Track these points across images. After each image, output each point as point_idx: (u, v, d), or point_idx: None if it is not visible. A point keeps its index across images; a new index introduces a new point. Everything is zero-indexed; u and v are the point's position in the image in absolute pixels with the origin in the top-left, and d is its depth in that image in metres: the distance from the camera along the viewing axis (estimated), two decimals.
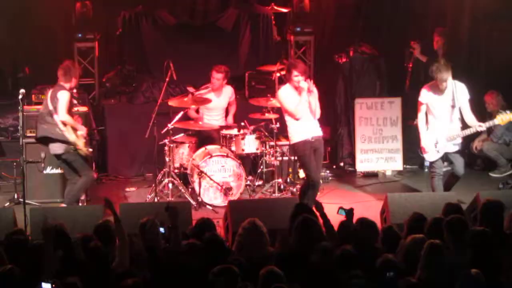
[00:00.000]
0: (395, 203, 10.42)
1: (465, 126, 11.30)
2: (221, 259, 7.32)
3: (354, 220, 8.26)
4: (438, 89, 11.19)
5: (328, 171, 13.70)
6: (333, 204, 10.46)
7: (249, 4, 15.12)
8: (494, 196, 9.63)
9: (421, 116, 11.43)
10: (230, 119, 13.20)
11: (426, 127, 11.42)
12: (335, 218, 8.58)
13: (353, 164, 14.08)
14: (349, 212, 8.28)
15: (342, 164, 14.26)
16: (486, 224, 8.13)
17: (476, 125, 11.20)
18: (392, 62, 14.43)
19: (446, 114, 11.27)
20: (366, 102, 13.91)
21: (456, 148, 11.41)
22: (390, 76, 14.33)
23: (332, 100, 14.31)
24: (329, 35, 15.26)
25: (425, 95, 11.32)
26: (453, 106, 11.21)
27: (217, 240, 7.88)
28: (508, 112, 11.18)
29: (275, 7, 14.42)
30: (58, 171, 12.12)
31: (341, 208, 8.38)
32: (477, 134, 12.87)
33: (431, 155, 11.45)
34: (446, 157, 11.53)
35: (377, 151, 13.89)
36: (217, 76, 12.88)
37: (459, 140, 11.37)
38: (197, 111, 13.07)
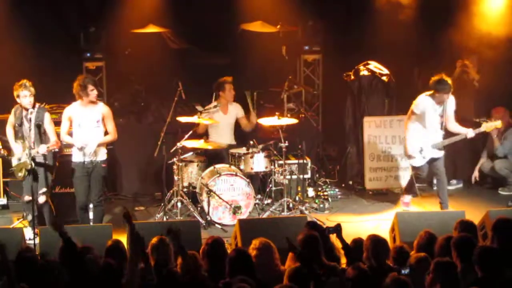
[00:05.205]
0: (404, 221, 10.36)
1: (448, 135, 11.88)
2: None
3: (366, 238, 8.22)
4: (437, 101, 11.71)
5: (337, 190, 13.70)
6: (343, 223, 10.40)
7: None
8: (503, 213, 9.62)
9: (412, 126, 12.00)
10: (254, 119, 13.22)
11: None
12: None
13: (362, 182, 14.07)
14: (338, 229, 8.23)
15: (351, 182, 14.26)
16: (497, 243, 8.11)
17: (465, 132, 11.76)
18: (400, 79, 14.41)
19: (436, 124, 11.81)
20: (375, 121, 13.91)
21: (441, 154, 11.96)
22: (399, 94, 14.31)
23: (340, 119, 14.33)
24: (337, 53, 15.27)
25: (423, 106, 11.79)
26: (442, 116, 11.74)
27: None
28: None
29: (283, 26, 14.43)
30: (67, 190, 12.14)
31: (328, 227, 8.35)
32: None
33: (417, 160, 12.03)
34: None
35: (386, 169, 13.89)
36: (231, 87, 12.94)
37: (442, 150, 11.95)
38: (206, 131, 13.07)
